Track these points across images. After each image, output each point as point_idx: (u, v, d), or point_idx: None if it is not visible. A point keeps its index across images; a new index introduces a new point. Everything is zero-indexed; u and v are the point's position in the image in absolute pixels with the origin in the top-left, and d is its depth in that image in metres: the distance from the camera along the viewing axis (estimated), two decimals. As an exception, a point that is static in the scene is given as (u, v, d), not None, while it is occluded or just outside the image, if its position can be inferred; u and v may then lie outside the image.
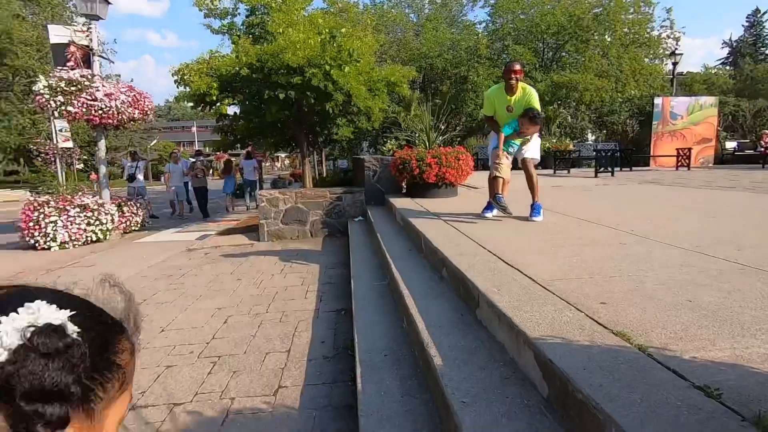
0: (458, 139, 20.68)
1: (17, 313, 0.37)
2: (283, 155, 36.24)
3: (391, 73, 8.57)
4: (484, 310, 2.05)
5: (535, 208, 4.04)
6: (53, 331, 0.37)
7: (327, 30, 6.96)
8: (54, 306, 0.39)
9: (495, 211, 4.17)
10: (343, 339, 2.95)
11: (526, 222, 3.96)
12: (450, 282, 2.72)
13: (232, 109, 8.54)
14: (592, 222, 3.87)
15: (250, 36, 8.51)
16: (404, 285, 2.82)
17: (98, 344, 0.41)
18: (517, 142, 3.97)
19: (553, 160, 13.82)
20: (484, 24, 22.10)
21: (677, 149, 13.38)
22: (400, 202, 5.76)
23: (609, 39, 19.93)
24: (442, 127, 9.00)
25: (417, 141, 7.63)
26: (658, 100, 15.75)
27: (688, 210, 4.56)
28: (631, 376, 1.25)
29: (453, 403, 1.48)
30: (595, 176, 10.56)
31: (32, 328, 0.37)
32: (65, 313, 0.39)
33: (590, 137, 21.78)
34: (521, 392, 1.50)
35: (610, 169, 10.97)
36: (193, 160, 11.16)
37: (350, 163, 14.77)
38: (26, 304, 0.38)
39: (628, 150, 15.60)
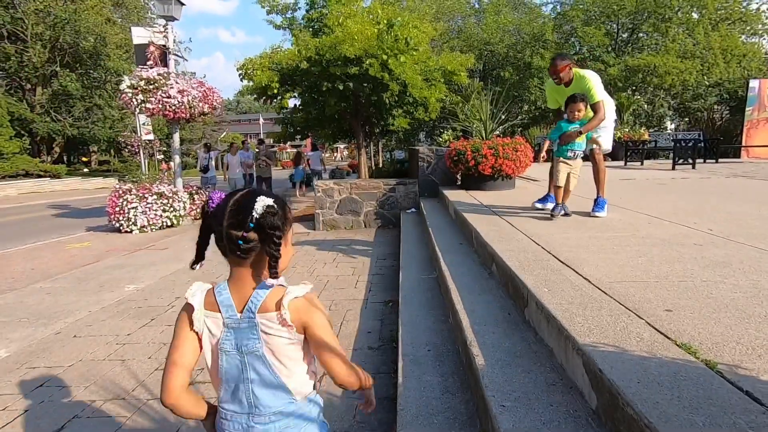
0: (519, 128, 19.84)
1: (259, 198, 0.90)
2: (341, 146, 36.98)
3: (448, 62, 8.37)
4: (533, 310, 1.95)
5: (598, 203, 3.78)
6: (271, 206, 0.90)
7: (385, 20, 6.93)
8: (269, 197, 0.92)
9: (546, 205, 3.94)
10: (389, 330, 2.96)
11: (588, 218, 3.71)
12: (499, 278, 2.62)
13: (292, 102, 8.83)
14: (663, 219, 3.54)
15: (310, 30, 8.71)
16: (451, 279, 2.76)
17: (283, 210, 0.95)
18: (580, 141, 3.60)
19: (624, 150, 12.79)
20: (551, 6, 20.86)
21: (776, 138, 11.81)
22: (453, 194, 5.65)
23: (696, 16, 17.96)
24: (502, 117, 8.66)
25: (474, 132, 7.41)
26: (753, 83, 14.00)
27: (784, 208, 4.01)
28: (694, 395, 1.12)
29: (492, 406, 1.42)
30: (673, 168, 9.63)
31: (266, 204, 0.90)
32: (272, 199, 0.92)
33: (669, 126, 19.87)
34: (567, 401, 1.41)
35: (690, 160, 9.95)
36: (257, 150, 11.15)
37: (407, 153, 14.72)
38: (260, 197, 0.91)
39: (715, 139, 14.03)
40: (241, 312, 0.97)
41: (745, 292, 1.82)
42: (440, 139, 10.11)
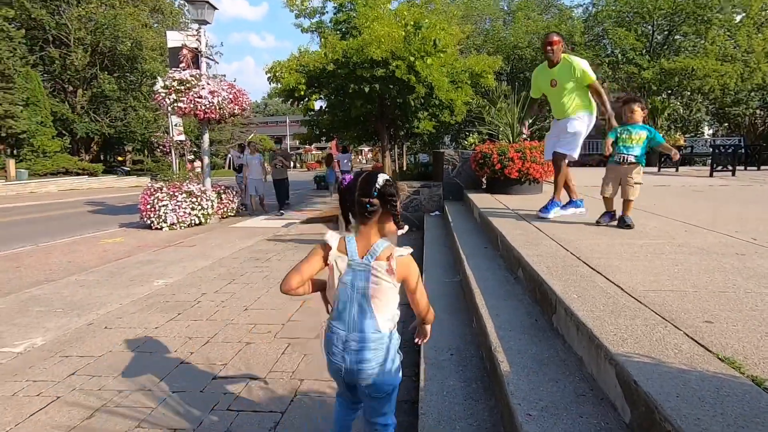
0: (547, 132, 19.42)
1: (380, 175, 1.30)
2: (366, 149, 37.16)
3: (475, 63, 8.29)
4: (561, 317, 1.88)
5: (547, 206, 3.82)
6: (388, 180, 1.30)
7: (412, 22, 6.93)
8: (385, 174, 1.31)
9: (554, 213, 3.82)
10: (411, 334, 2.92)
11: (618, 227, 3.57)
12: (525, 284, 2.55)
13: (318, 104, 8.93)
14: (701, 227, 3.37)
15: (338, 32, 8.80)
16: (476, 283, 2.71)
17: (395, 183, 1.31)
18: (631, 144, 3.30)
19: (658, 156, 12.33)
20: (582, 7, 20.39)
21: (825, 145, 11.13)
22: (478, 198, 5.57)
23: (738, 18, 17.18)
24: (530, 120, 8.50)
25: (500, 135, 7.30)
26: (800, 87, 13.25)
27: (836, 218, 3.76)
28: (740, 413, 1.04)
29: (517, 415, 1.37)
30: (710, 175, 9.22)
31: (385, 179, 1.29)
32: (388, 176, 1.31)
33: (707, 131, 19.06)
34: (598, 413, 1.35)
35: (730, 167, 9.50)
36: (274, 150, 10.84)
37: (431, 157, 14.64)
38: (380, 174, 1.30)
39: (757, 146, 13.35)
40: (362, 258, 1.33)
41: (794, 306, 1.70)
42: (465, 143, 10.00)
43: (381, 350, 1.36)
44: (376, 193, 1.26)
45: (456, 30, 8.26)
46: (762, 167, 11.55)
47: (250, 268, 4.84)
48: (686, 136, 16.11)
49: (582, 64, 3.67)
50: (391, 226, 1.34)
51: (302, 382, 2.35)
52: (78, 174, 21.71)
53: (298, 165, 60.24)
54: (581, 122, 3.79)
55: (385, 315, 1.37)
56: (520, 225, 3.63)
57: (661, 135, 11.56)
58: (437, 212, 6.94)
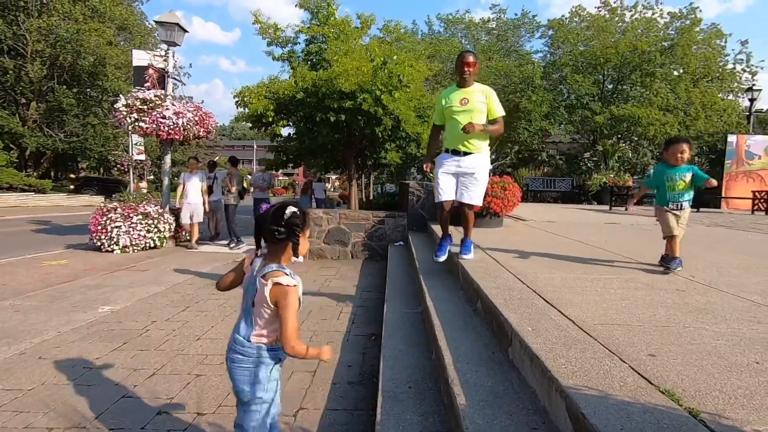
0: (509, 168, 20.28)
1: (288, 207, 1.50)
2: (333, 176, 37.22)
3: (441, 101, 8.62)
4: (517, 349, 1.92)
5: (466, 245, 3.67)
6: (296, 212, 1.50)
7: (380, 57, 7.18)
8: (293, 206, 1.51)
9: (445, 257, 3.72)
10: (370, 365, 2.87)
11: (572, 260, 3.73)
12: (484, 315, 2.59)
13: (286, 131, 8.94)
14: (646, 264, 3.58)
15: (308, 63, 8.95)
16: (436, 314, 2.72)
17: (304, 215, 1.53)
18: (682, 190, 3.23)
19: (609, 195, 13.11)
20: (541, 54, 21.87)
21: (753, 192, 12.26)
22: (440, 230, 5.66)
23: (677, 73, 18.96)
24: (492, 157, 8.85)
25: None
26: (731, 138, 14.66)
27: (763, 258, 4.10)
28: (677, 444, 1.09)
29: (472, 449, 1.37)
30: (656, 215, 9.85)
31: (294, 210, 1.50)
32: (296, 209, 1.51)
33: (652, 174, 20.52)
34: (549, 446, 1.37)
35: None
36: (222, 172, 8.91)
37: (398, 187, 14.89)
38: (290, 207, 1.51)
39: (696, 189, 14.47)
40: (257, 274, 1.54)
41: (727, 340, 1.82)
42: (431, 175, 10.27)
43: (247, 358, 1.56)
44: (283, 223, 1.47)
45: (423, 67, 8.64)
46: (701, 209, 12.49)
47: (206, 295, 4.64)
48: (634, 177, 17.26)
49: (494, 96, 3.47)
50: (289, 252, 1.53)
51: (254, 417, 2.24)
52: (24, 190, 20.37)
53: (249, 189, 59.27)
54: (485, 168, 3.54)
55: (259, 329, 1.55)
56: (480, 257, 3.72)
57: (612, 175, 12.11)
58: (401, 242, 6.99)
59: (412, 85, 7.54)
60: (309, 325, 3.69)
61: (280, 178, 59.75)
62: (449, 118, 3.47)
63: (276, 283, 1.46)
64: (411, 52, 10.05)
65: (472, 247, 3.68)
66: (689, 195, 3.20)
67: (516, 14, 23.31)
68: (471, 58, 3.35)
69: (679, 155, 3.15)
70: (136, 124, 7.23)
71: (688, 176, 3.17)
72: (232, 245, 8.08)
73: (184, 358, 2.96)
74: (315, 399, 2.44)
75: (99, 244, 7.24)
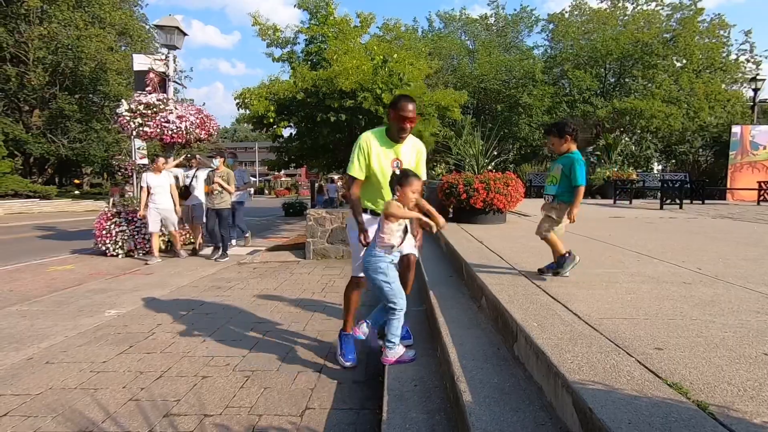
0: (512, 164, 20.21)
1: None
2: (336, 176, 37.27)
3: (442, 97, 8.60)
4: (522, 345, 1.91)
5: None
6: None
7: (380, 56, 7.16)
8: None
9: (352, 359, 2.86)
10: (375, 364, 2.87)
11: (577, 254, 3.71)
12: (488, 312, 2.58)
13: (287, 131, 8.94)
14: (652, 257, 3.55)
15: (309, 63, 8.95)
16: (440, 312, 2.72)
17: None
18: (549, 183, 2.98)
19: (613, 189, 13.05)
20: (542, 49, 21.76)
21: (759, 182, 12.15)
22: (445, 227, 5.66)
23: (680, 64, 18.82)
24: (495, 153, 8.83)
25: (466, 166, 7.52)
26: (736, 129, 14.55)
27: (770, 249, 4.06)
28: (686, 438, 1.08)
29: (479, 446, 1.36)
30: (660, 208, 9.80)
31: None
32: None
33: (656, 167, 20.39)
34: (556, 442, 1.36)
35: (678, 201, 10.15)
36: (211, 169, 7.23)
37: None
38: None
39: (701, 181, 14.39)
40: None
41: (734, 332, 1.80)
42: (433, 172, 10.24)
43: None
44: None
45: (423, 65, 8.61)
46: (706, 201, 12.41)
47: (211, 297, 4.66)
48: (638, 170, 17.16)
49: (425, 156, 2.87)
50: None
51: (260, 417, 2.25)
52: (29, 197, 20.51)
53: (266, 191, 59.57)
54: None
55: None
56: (484, 254, 3.71)
57: (616, 168, 11.97)
58: (405, 240, 6.97)
59: (412, 83, 7.52)
60: (314, 325, 3.69)
61: (283, 179, 59.90)
62: (376, 174, 2.72)
63: None
64: (411, 50, 10.02)
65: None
66: (558, 189, 2.87)
67: (515, 9, 23.19)
68: (412, 110, 2.61)
69: (550, 145, 2.96)
70: (140, 128, 7.25)
71: (558, 170, 2.86)
72: (216, 256, 6.89)
73: (190, 360, 2.97)
74: (321, 399, 2.43)
75: (104, 248, 7.27)
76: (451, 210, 6.72)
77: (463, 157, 7.51)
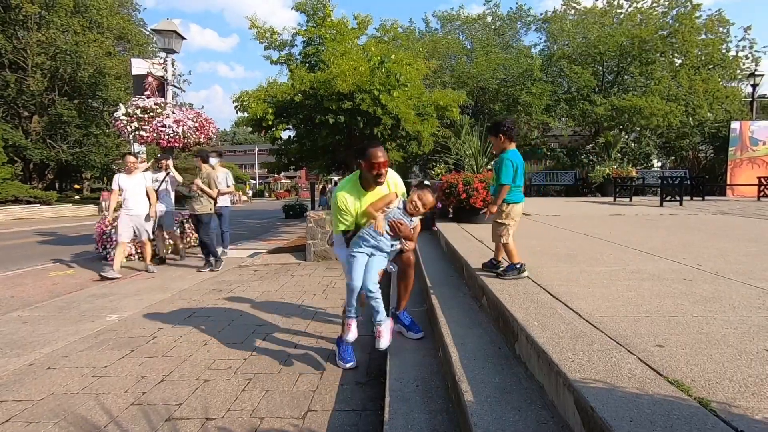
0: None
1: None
2: (335, 178, 37.34)
3: (441, 97, 8.61)
4: (523, 345, 1.91)
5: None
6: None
7: (377, 57, 7.17)
8: None
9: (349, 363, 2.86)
10: (377, 364, 2.87)
11: (577, 252, 3.71)
12: (489, 312, 2.58)
13: (286, 134, 8.94)
14: (653, 254, 3.55)
15: (306, 65, 8.96)
16: (441, 311, 2.71)
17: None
18: (493, 183, 2.96)
19: (613, 187, 13.05)
20: (540, 47, 21.75)
21: (759, 178, 12.15)
22: (444, 227, 5.66)
23: (679, 61, 18.80)
24: (494, 152, 8.80)
25: (465, 166, 7.52)
26: (735, 125, 14.55)
27: (771, 245, 4.06)
28: (688, 435, 1.08)
29: (481, 446, 1.36)
30: (661, 205, 9.79)
31: None
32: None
33: (656, 163, 20.37)
34: (558, 441, 1.36)
35: (678, 197, 10.14)
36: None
37: (400, 186, 14.86)
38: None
39: (700, 177, 14.38)
40: None
41: (735, 328, 1.80)
42: (433, 172, 10.25)
43: None
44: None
45: (421, 65, 8.62)
46: (706, 197, 12.40)
47: (212, 300, 4.66)
48: (638, 168, 17.15)
49: (400, 185, 2.85)
50: None
51: (262, 420, 2.24)
52: (29, 202, 20.51)
53: (266, 194, 59.57)
54: None
55: None
56: (485, 253, 3.70)
57: (616, 166, 11.99)
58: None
59: (410, 84, 7.52)
60: (315, 327, 3.69)
61: (283, 181, 59.88)
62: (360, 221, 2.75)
63: None
64: (408, 51, 10.03)
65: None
66: (493, 189, 2.90)
67: (511, 8, 23.18)
68: (382, 155, 2.58)
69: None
70: (137, 132, 7.26)
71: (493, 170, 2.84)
72: (207, 267, 6.28)
73: (191, 364, 2.97)
74: (323, 400, 2.43)
75: (105, 253, 7.27)
76: (451, 210, 6.72)
77: (462, 157, 7.51)
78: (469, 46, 21.41)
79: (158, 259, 6.92)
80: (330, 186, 23.62)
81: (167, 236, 7.31)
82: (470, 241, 4.47)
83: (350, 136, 8.27)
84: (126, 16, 26.44)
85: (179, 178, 7.18)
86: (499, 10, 22.40)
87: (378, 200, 2.68)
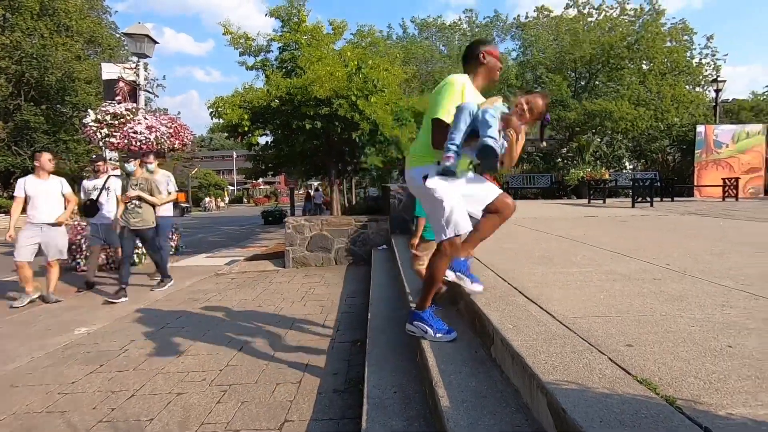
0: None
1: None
2: (315, 183, 37.14)
3: (418, 103, 8.68)
4: (499, 348, 1.92)
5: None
6: None
7: (354, 62, 7.18)
8: None
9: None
10: (356, 372, 2.84)
11: (552, 254, 3.78)
12: (466, 315, 2.59)
13: (263, 139, 8.85)
14: (625, 255, 3.65)
15: (283, 70, 8.90)
16: (419, 317, 2.71)
17: None
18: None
19: (587, 189, 13.38)
20: (515, 54, 22.23)
21: (723, 179, 12.66)
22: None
23: (646, 67, 19.50)
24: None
25: (443, 170, 7.58)
26: (700, 128, 15.14)
27: (735, 244, 4.23)
28: (655, 433, 1.10)
29: (456, 452, 1.36)
30: (633, 206, 10.10)
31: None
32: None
33: (628, 166, 21.02)
34: (532, 443, 1.37)
35: (648, 199, 10.48)
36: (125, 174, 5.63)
37: (381, 191, 14.90)
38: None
39: (670, 179, 14.90)
40: None
41: (701, 326, 1.86)
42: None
43: None
44: None
45: (399, 71, 8.68)
46: (675, 198, 12.85)
47: (187, 310, 4.54)
48: (610, 170, 17.65)
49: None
50: None
51: (238, 433, 2.19)
52: (-7, 212, 19.66)
53: (245, 200, 58.70)
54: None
55: None
56: (462, 257, 3.73)
57: (589, 169, 12.36)
58: (384, 246, 6.97)
59: (387, 89, 7.56)
60: (294, 334, 3.64)
61: (262, 187, 59.19)
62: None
63: None
64: (386, 56, 10.09)
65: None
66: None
67: (487, 17, 23.63)
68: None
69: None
70: (107, 139, 7.05)
71: None
72: (156, 284, 5.60)
73: (164, 377, 2.88)
74: (300, 410, 2.39)
75: (74, 263, 7.01)
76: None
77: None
78: (445, 52, 21.70)
79: (85, 284, 5.71)
80: (315, 193, 23.40)
81: (111, 254, 6.29)
82: (448, 245, 4.50)
83: (328, 141, 8.25)
84: (96, 19, 25.70)
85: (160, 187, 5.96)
86: (476, 18, 22.82)
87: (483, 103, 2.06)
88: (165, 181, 6.08)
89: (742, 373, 1.40)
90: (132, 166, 5.30)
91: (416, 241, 2.98)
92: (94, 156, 6.71)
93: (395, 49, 14.94)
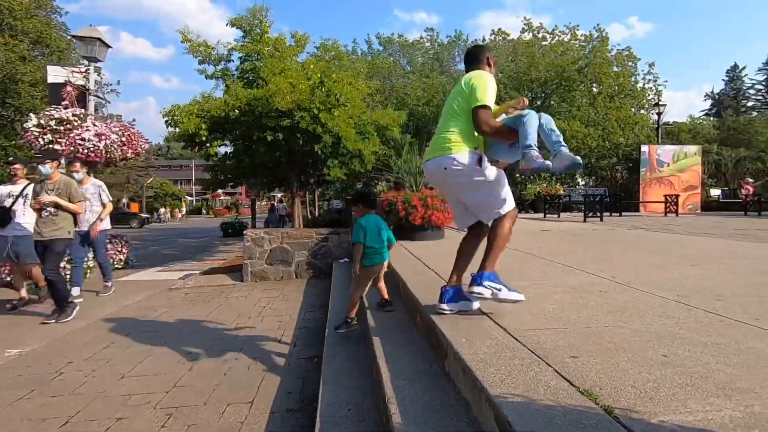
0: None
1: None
2: (278, 195, 36.57)
3: (381, 117, 8.79)
4: (452, 362, 1.94)
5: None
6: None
7: (317, 75, 7.19)
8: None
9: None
10: (312, 389, 2.78)
11: (507, 268, 3.88)
12: (422, 330, 2.61)
13: (223, 150, 8.63)
14: (574, 268, 3.80)
15: (244, 80, 8.76)
16: (376, 331, 2.70)
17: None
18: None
19: (543, 204, 13.94)
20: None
21: (665, 195, 13.58)
22: (384, 244, 5.69)
23: (596, 90, 20.77)
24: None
25: (406, 184, 7.67)
26: (644, 148, 16.20)
27: (673, 257, 4.52)
28: (593, 443, 1.14)
29: (406, 470, 1.34)
30: (584, 221, 10.60)
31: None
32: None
33: (581, 182, 22.13)
34: (480, 458, 1.38)
35: (599, 213, 11.04)
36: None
37: (344, 204, 14.86)
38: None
39: (618, 195, 15.80)
40: None
41: (640, 336, 1.96)
42: (375, 190, 10.34)
43: None
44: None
45: (362, 85, 8.76)
46: (623, 213, 13.61)
47: (134, 329, 4.29)
48: (565, 186, 18.50)
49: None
50: None
51: (183, 459, 2.07)
52: None
53: (204, 211, 56.75)
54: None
55: None
56: (421, 270, 3.77)
57: (545, 184, 12.84)
58: (346, 259, 6.92)
59: (351, 103, 7.61)
60: (249, 351, 3.52)
61: (222, 197, 57.53)
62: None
63: None
64: (349, 70, 10.17)
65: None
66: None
67: (449, 36, 24.43)
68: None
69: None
70: (50, 145, 6.62)
71: None
72: (55, 315, 4.53)
73: (104, 401, 2.69)
74: (251, 431, 2.30)
75: (10, 279, 6.47)
76: (391, 227, 6.78)
77: (402, 175, 7.66)
78: (408, 68, 22.16)
79: (12, 304, 5.13)
80: (278, 205, 23.90)
81: (27, 271, 5.15)
82: (408, 259, 4.53)
83: (290, 153, 8.16)
84: (45, 19, 24.34)
85: (105, 197, 5.75)
86: (438, 37, 23.52)
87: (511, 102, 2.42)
88: (96, 191, 5.67)
89: (674, 381, 1.48)
90: (48, 168, 4.53)
91: (357, 267, 3.07)
92: (11, 158, 5.85)
93: (359, 64, 15.13)
